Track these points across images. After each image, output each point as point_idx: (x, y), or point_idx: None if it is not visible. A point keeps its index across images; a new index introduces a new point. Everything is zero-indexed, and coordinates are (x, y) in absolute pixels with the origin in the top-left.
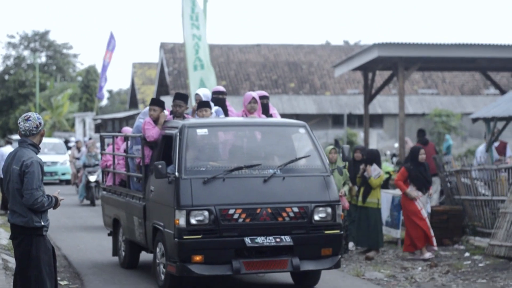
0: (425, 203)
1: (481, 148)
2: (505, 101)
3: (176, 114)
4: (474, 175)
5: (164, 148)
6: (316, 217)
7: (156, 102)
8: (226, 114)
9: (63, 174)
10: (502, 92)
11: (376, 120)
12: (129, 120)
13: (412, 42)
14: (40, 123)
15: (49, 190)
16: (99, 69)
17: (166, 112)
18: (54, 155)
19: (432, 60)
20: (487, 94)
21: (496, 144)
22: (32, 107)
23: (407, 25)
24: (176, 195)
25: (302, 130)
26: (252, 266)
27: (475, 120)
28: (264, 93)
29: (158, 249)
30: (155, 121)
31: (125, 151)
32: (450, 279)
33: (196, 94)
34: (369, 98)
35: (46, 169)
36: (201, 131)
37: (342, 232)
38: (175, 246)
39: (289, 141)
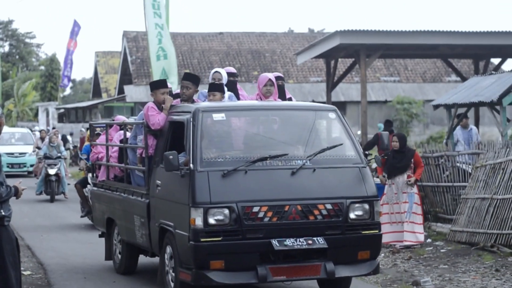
0: (400, 191)
1: (459, 131)
2: (466, 87)
3: (183, 97)
4: (464, 160)
5: (172, 136)
6: (352, 215)
7: (162, 84)
8: (238, 99)
9: (32, 165)
10: (463, 79)
11: (339, 107)
12: (92, 109)
13: (374, 30)
14: None
15: (15, 182)
16: (60, 58)
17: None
18: (23, 146)
19: (393, 48)
20: (449, 81)
21: None
22: None
23: (372, 13)
24: (191, 191)
25: (332, 115)
26: (280, 272)
27: (436, 106)
28: (279, 74)
29: (166, 254)
30: (159, 106)
31: (121, 141)
32: (412, 265)
33: (216, 72)
34: (331, 85)
35: (14, 160)
36: (217, 116)
37: (381, 233)
38: (191, 251)
39: (318, 127)
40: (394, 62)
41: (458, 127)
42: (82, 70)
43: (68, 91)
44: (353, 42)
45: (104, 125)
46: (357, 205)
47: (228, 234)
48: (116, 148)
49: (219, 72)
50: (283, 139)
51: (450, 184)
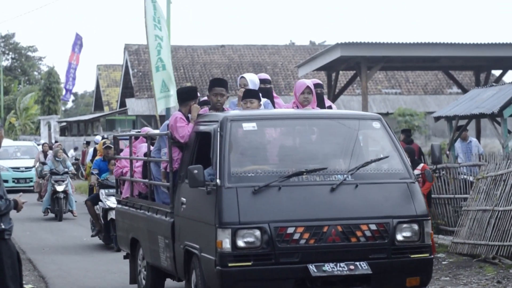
0: None
1: (458, 144)
2: (466, 99)
3: (218, 106)
4: (464, 172)
5: (198, 148)
6: (400, 237)
7: (193, 95)
8: (273, 107)
9: None
10: (464, 91)
11: None
12: (94, 123)
13: (374, 42)
14: None
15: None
16: (59, 71)
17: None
18: (28, 160)
19: (394, 60)
20: (450, 93)
21: None
22: None
23: (373, 25)
24: (218, 209)
25: (376, 124)
26: None
27: (437, 118)
28: (317, 81)
29: (192, 279)
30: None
31: (146, 154)
32: None
33: (242, 78)
34: (333, 98)
35: (19, 175)
36: (248, 126)
37: (432, 257)
38: (217, 276)
39: (361, 138)
40: (395, 74)
41: (458, 140)
42: (84, 83)
43: (70, 104)
44: (354, 54)
45: (128, 137)
46: (405, 225)
47: (259, 258)
48: (140, 163)
49: (244, 78)
50: (321, 152)
51: (452, 196)
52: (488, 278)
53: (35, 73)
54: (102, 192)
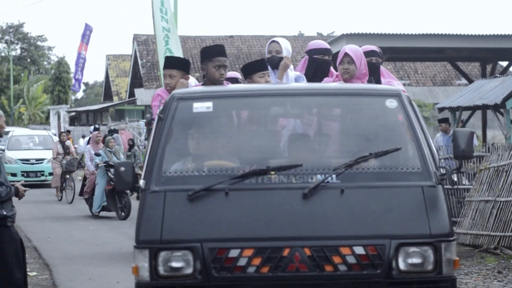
0: None
1: (439, 138)
2: (470, 90)
3: (218, 81)
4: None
5: None
6: (402, 265)
7: (174, 64)
8: None
9: (51, 173)
10: (471, 82)
11: None
12: (103, 112)
13: (380, 33)
14: None
15: (31, 193)
16: (70, 60)
17: (192, 80)
18: (42, 151)
19: (400, 51)
20: (459, 85)
21: None
22: (5, 100)
23: (381, 16)
24: (137, 222)
25: (391, 103)
26: None
27: (441, 109)
28: (372, 47)
29: None
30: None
31: None
32: None
33: (273, 42)
34: None
35: (29, 168)
36: (200, 106)
37: None
38: None
39: (367, 122)
40: (404, 65)
41: (439, 133)
42: (94, 73)
43: (81, 94)
44: (359, 45)
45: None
46: (412, 249)
47: None
48: None
49: (277, 42)
50: (303, 143)
51: (455, 186)
52: (489, 268)
53: (45, 63)
54: None
